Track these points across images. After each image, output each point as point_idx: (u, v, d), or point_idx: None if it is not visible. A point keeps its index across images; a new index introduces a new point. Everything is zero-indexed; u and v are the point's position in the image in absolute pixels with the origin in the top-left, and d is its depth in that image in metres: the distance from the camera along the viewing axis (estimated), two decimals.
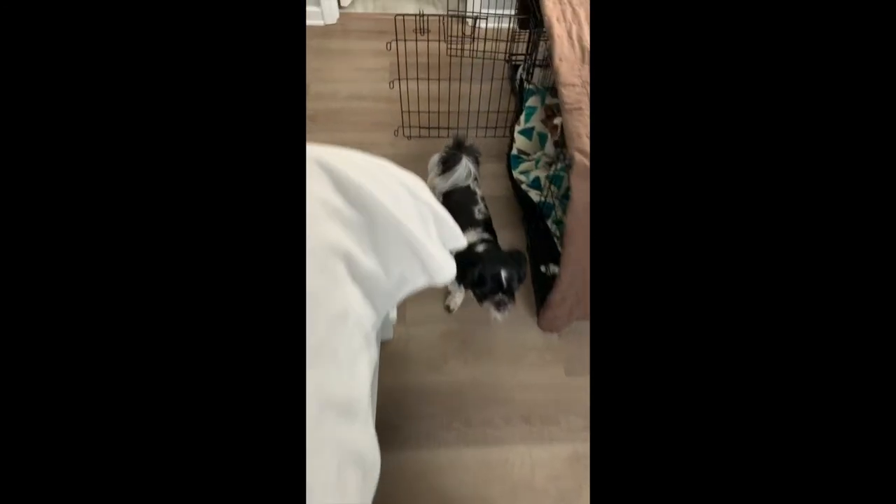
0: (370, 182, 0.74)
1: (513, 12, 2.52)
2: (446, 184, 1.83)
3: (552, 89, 2.36)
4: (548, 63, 2.23)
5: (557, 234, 1.92)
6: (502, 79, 2.41)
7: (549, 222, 1.97)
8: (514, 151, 2.28)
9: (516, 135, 2.29)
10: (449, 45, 2.58)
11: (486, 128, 2.42)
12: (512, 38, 2.59)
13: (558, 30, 1.68)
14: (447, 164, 1.83)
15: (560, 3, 1.78)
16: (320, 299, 0.61)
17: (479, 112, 2.32)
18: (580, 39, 1.64)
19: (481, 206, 1.78)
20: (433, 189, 1.87)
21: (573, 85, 1.48)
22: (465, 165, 1.81)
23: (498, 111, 2.36)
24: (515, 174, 2.21)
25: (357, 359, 0.67)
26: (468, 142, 1.88)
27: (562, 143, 1.78)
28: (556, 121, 2.23)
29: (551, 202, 2.02)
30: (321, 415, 0.55)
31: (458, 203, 1.76)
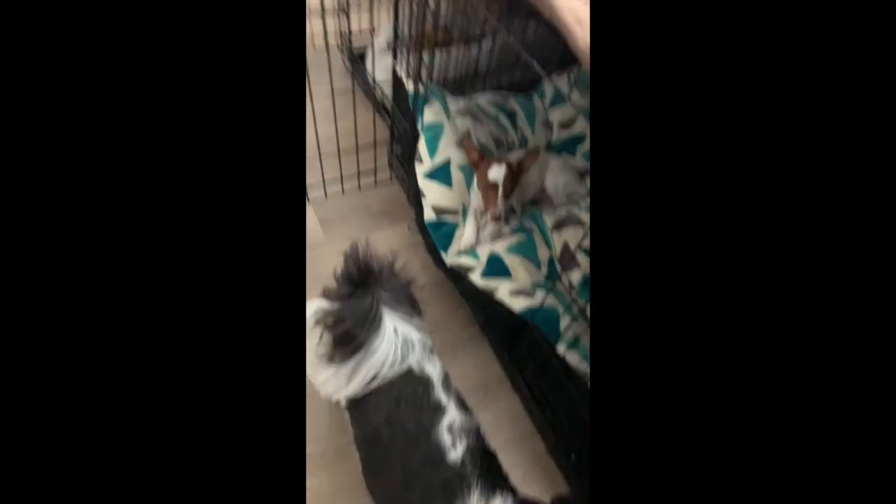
0: None
1: None
2: (353, 381, 0.75)
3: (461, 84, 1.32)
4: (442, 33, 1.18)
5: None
6: (351, 87, 1.26)
7: (561, 349, 0.96)
8: (429, 215, 1.19)
9: (422, 182, 1.20)
10: None
11: (341, 179, 1.31)
12: (342, 2, 1.45)
13: None
14: (347, 338, 0.74)
15: None
16: None
17: (320, 156, 1.22)
18: None
19: (453, 415, 0.72)
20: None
21: None
22: (388, 332, 0.73)
23: (357, 149, 1.25)
24: (451, 260, 1.14)
25: None
26: (374, 259, 0.79)
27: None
28: (492, 173, 1.21)
29: (557, 308, 1.02)
30: None
31: (393, 432, 0.71)
